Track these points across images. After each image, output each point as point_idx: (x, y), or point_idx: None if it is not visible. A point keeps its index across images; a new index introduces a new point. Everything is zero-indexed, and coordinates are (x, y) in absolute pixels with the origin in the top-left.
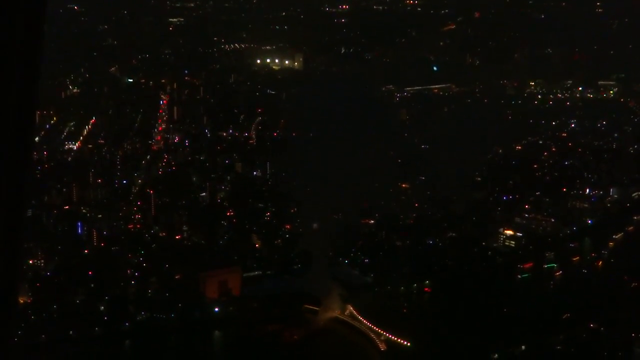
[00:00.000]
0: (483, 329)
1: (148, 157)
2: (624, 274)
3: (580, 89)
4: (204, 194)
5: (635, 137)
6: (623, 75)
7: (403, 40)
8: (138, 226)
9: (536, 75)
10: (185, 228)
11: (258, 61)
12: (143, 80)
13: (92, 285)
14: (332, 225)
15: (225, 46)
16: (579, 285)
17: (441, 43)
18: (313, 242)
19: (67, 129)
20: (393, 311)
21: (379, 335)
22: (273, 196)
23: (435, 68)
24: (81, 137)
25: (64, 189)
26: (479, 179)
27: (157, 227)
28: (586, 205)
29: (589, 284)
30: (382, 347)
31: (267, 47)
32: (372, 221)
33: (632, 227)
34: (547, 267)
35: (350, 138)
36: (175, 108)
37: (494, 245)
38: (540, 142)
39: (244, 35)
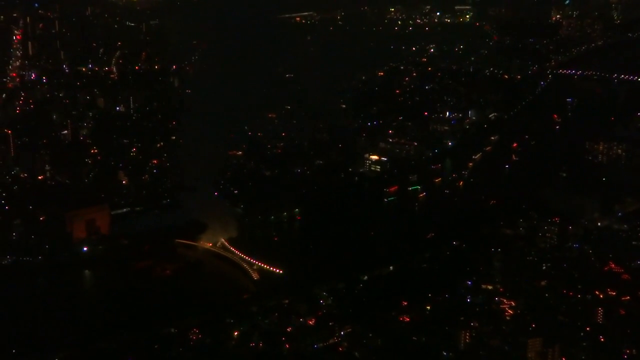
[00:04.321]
0: (352, 253)
1: (3, 95)
2: (482, 193)
3: (438, 13)
4: (66, 132)
5: (490, 59)
6: None
7: None
8: None
9: (395, 1)
10: (48, 168)
11: None
12: None
13: None
14: (202, 158)
15: None
16: (442, 206)
17: None
18: (182, 175)
19: None
20: (264, 240)
21: (251, 265)
22: (138, 131)
23: None
24: None
25: None
26: (344, 106)
27: (17, 169)
28: (446, 128)
29: (451, 203)
30: (255, 276)
31: None
32: (240, 152)
33: (489, 147)
34: (412, 189)
35: (215, 70)
36: (29, 43)
37: (361, 170)
38: (402, 67)
39: None
